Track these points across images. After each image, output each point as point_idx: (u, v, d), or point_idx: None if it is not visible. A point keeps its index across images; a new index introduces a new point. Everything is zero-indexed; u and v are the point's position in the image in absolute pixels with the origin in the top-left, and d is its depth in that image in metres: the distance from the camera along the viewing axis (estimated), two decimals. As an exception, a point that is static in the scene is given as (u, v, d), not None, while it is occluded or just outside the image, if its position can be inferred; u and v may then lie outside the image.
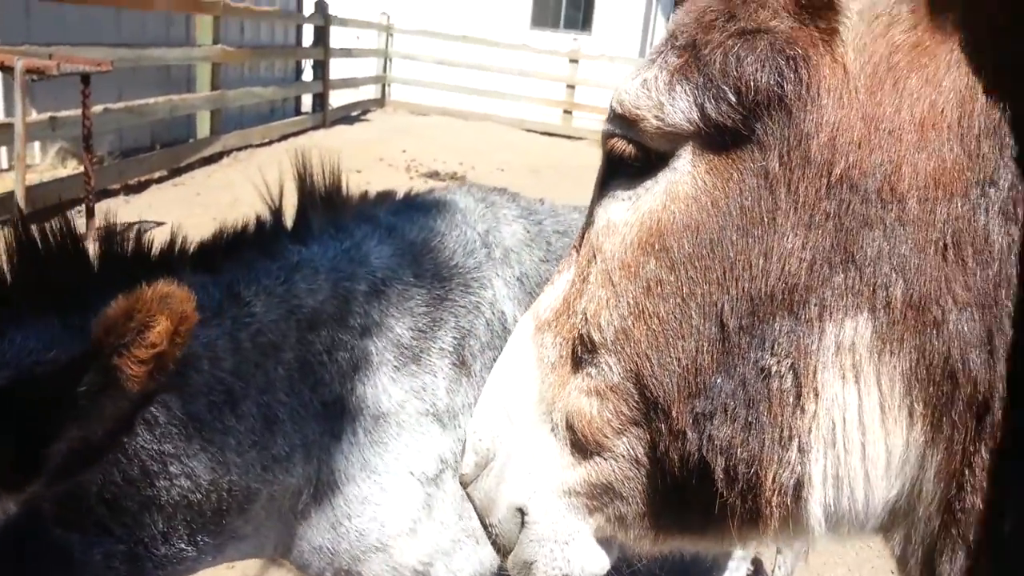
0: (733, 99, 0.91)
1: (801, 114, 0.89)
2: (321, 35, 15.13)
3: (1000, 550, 0.81)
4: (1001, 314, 0.81)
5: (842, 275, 0.87)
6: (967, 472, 0.83)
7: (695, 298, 0.94)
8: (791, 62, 0.89)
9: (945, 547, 0.86)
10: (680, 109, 0.96)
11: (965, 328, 0.82)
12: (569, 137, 17.51)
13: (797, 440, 0.91)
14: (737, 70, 0.91)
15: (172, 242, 1.82)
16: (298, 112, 15.16)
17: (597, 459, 1.06)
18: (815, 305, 0.88)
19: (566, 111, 18.04)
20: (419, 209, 2.27)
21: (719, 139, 0.94)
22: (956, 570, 0.85)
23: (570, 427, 1.08)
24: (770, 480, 0.92)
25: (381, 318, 2.04)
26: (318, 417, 1.95)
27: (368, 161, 12.71)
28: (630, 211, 1.03)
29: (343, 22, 16.20)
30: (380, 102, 18.40)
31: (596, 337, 1.03)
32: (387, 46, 18.46)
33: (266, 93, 12.93)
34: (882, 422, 0.87)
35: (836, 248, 0.87)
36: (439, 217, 2.24)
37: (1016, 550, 0.80)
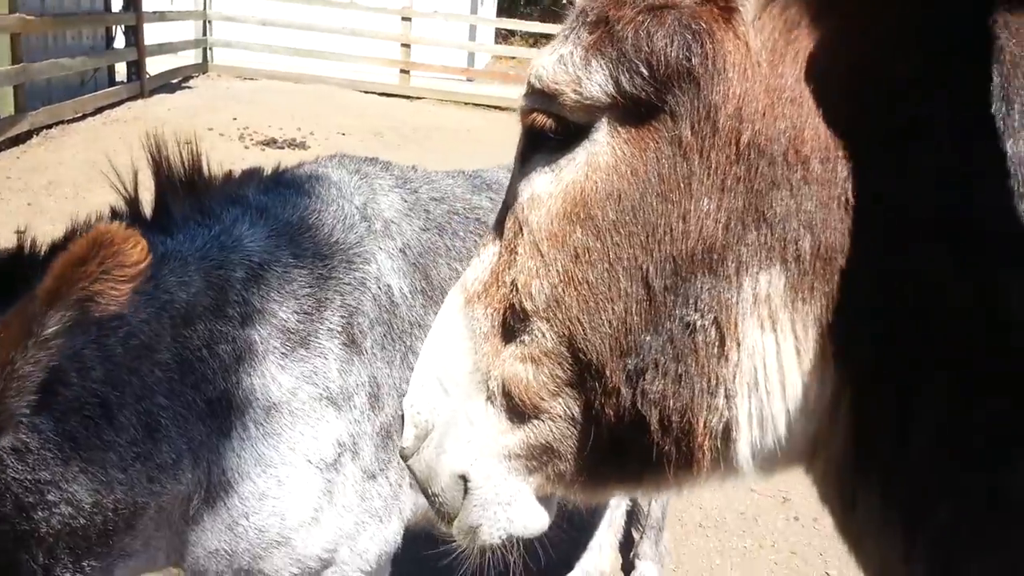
0: (646, 72, 0.96)
1: (709, 86, 0.94)
2: (131, -2, 13.99)
3: (905, 468, 0.88)
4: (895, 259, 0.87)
5: (755, 233, 0.92)
6: (874, 407, 0.90)
7: (621, 262, 0.99)
8: (697, 36, 0.94)
9: (859, 469, 0.94)
10: (597, 83, 1.00)
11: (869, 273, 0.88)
12: (408, 97, 17.20)
13: (723, 387, 0.97)
14: (648, 44, 0.96)
15: (20, 247, 1.61)
16: (112, 83, 13.98)
17: (535, 422, 1.12)
18: (732, 262, 0.94)
19: (403, 71, 17.68)
20: (291, 186, 2.13)
21: (635, 110, 0.98)
22: (870, 491, 0.92)
23: (507, 394, 1.12)
24: (701, 426, 0.99)
25: (262, 304, 1.92)
26: (204, 417, 1.82)
27: (197, 131, 11.88)
28: (554, 183, 1.07)
29: (154, -17, 15.04)
30: (203, 67, 17.28)
31: (528, 306, 1.07)
32: (206, 8, 17.34)
33: (75, 64, 11.83)
34: (798, 364, 0.94)
35: (748, 208, 0.93)
36: (313, 193, 2.12)
37: (919, 468, 0.87)
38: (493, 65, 23.55)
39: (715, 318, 0.96)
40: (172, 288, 1.77)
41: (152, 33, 14.96)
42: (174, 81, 15.67)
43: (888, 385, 0.89)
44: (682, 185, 0.96)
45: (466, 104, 16.90)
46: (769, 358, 0.95)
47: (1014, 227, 0.76)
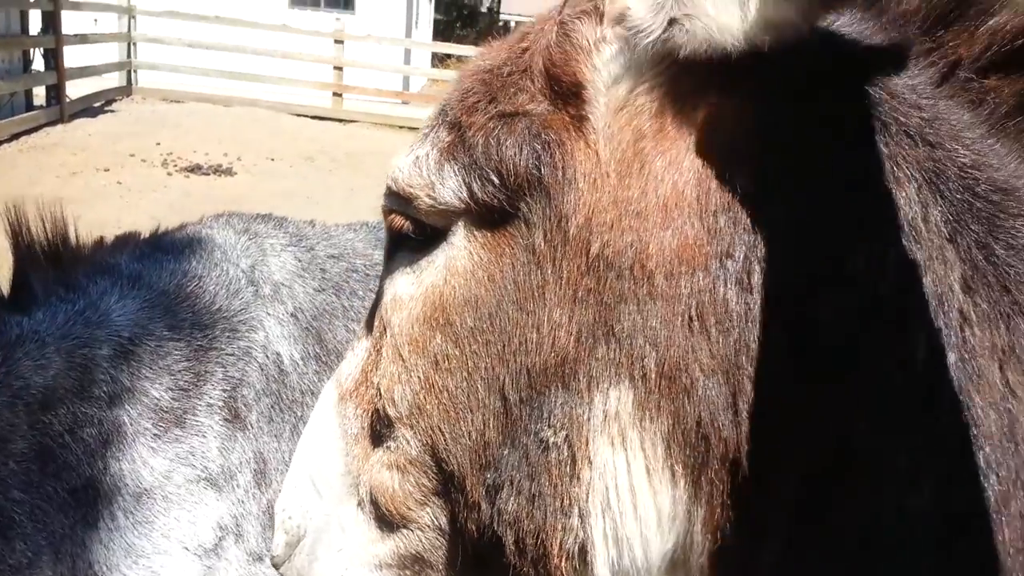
0: (497, 181, 0.94)
1: (559, 196, 0.92)
2: (51, 20, 13.52)
3: None
4: (742, 378, 0.85)
5: (605, 347, 0.90)
6: (727, 523, 0.88)
7: (479, 372, 0.97)
8: (547, 147, 0.92)
9: None
10: (450, 188, 0.98)
11: (712, 393, 0.86)
12: (341, 120, 17.01)
13: (577, 507, 0.95)
14: (498, 153, 0.94)
15: None
16: (30, 107, 13.47)
17: (404, 531, 1.09)
18: (584, 377, 0.91)
19: (336, 94, 17.51)
20: (169, 251, 2.01)
21: (489, 217, 0.97)
22: None
23: (374, 502, 1.10)
24: (557, 547, 0.96)
25: (132, 382, 1.79)
26: (66, 507, 1.69)
27: (118, 157, 11.57)
28: (414, 285, 1.05)
29: (76, 5, 14.62)
30: (127, 90, 16.83)
31: (391, 412, 1.05)
32: (130, 29, 16.88)
33: (-12, 88, 11.38)
34: (649, 483, 0.92)
35: (598, 322, 0.90)
36: (194, 257, 2.00)
37: None
38: (429, 88, 23.48)
39: (567, 435, 0.93)
40: (26, 373, 1.63)
41: (74, 55, 14.54)
42: (96, 105, 15.22)
43: (737, 502, 0.87)
44: (536, 294, 0.93)
45: (401, 127, 16.77)
46: (620, 477, 0.92)
47: (851, 339, 0.82)
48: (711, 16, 0.81)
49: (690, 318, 0.87)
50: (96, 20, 18.67)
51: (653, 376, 0.88)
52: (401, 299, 1.06)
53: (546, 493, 0.95)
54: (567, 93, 0.93)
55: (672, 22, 0.84)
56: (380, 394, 1.07)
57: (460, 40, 26.00)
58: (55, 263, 1.82)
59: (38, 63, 13.93)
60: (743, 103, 0.88)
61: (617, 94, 0.91)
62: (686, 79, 0.89)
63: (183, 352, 1.88)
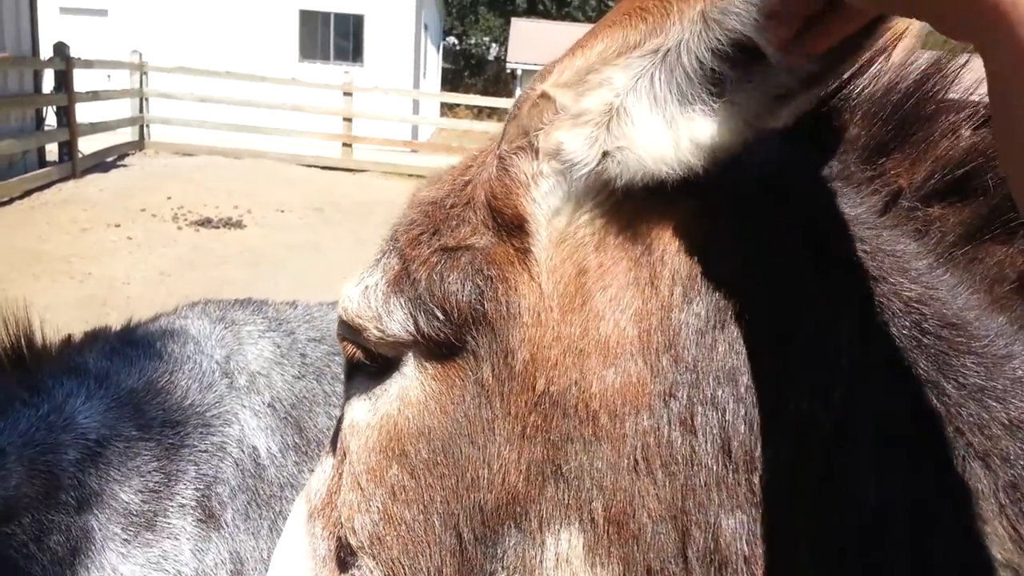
0: (441, 316, 0.93)
1: (505, 330, 0.90)
2: (63, 79, 13.77)
3: None
4: (690, 524, 0.82)
5: (554, 488, 0.88)
6: None
7: (435, 505, 0.95)
8: (490, 281, 0.91)
9: None
10: (397, 321, 0.97)
11: (661, 540, 0.83)
12: (351, 170, 17.15)
13: None
14: (441, 289, 0.93)
15: None
16: (43, 164, 13.66)
17: None
18: (535, 517, 0.89)
19: (345, 144, 17.68)
20: (140, 346, 1.97)
21: (438, 349, 0.95)
22: None
23: None
24: None
25: (100, 486, 1.74)
26: (29, 621, 1.62)
27: (129, 212, 11.68)
28: (371, 412, 1.03)
29: (88, 64, 14.87)
30: (139, 144, 17.07)
31: (353, 541, 1.04)
32: (142, 85, 17.17)
33: (1, 147, 11.53)
34: None
35: (546, 461, 0.88)
36: (166, 351, 1.96)
37: None
38: (438, 136, 23.72)
39: None
40: (-15, 484, 1.58)
41: (87, 111, 14.77)
42: (109, 160, 15.43)
43: None
44: (486, 429, 0.91)
45: (410, 176, 16.86)
46: None
47: (796, 485, 0.79)
48: (642, 146, 0.79)
49: (636, 461, 0.84)
50: (109, 76, 19.04)
51: (601, 520, 0.85)
52: (358, 426, 1.04)
53: None
54: (510, 226, 0.90)
55: (605, 155, 0.82)
56: (341, 522, 1.05)
57: (468, 88, 26.35)
58: (19, 366, 1.79)
59: (51, 119, 14.15)
60: (680, 235, 0.85)
61: (558, 226, 0.89)
62: (625, 209, 0.86)
63: (153, 452, 1.83)
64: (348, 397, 1.10)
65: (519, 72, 25.01)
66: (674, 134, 0.77)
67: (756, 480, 0.80)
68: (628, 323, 0.85)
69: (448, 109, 28.47)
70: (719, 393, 0.82)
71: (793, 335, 0.82)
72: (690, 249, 0.85)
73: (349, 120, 17.54)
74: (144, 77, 17.24)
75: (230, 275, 9.33)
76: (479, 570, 0.93)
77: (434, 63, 30.88)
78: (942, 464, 0.77)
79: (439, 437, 0.94)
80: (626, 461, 0.84)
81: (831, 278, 0.83)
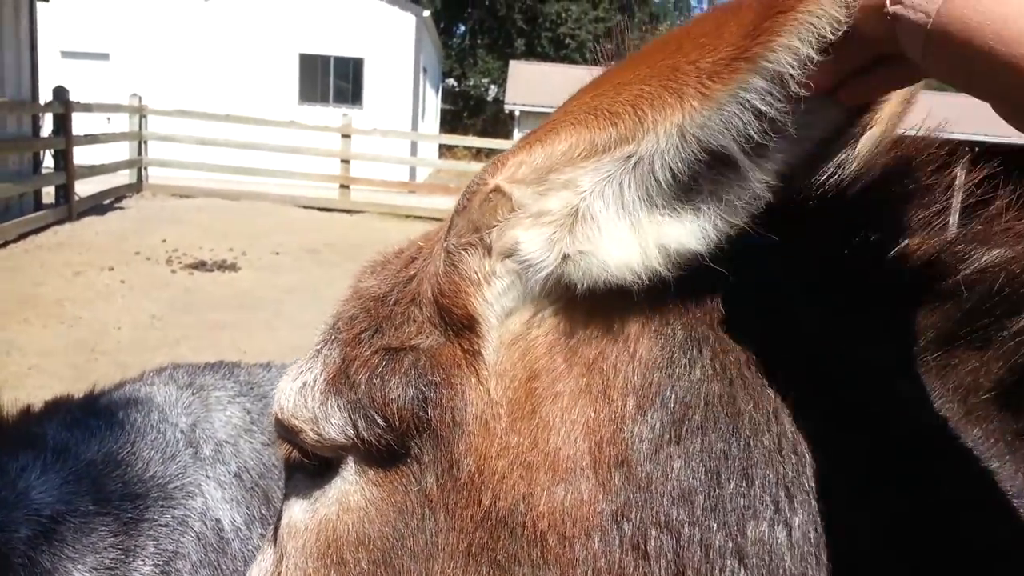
0: (381, 423, 0.87)
1: (449, 439, 0.84)
2: (62, 123, 13.85)
3: None
4: None
5: None
6: None
7: None
8: (434, 387, 0.85)
9: None
10: (335, 424, 0.91)
11: None
12: (348, 211, 17.18)
13: None
14: (381, 394, 0.87)
15: None
16: (39, 207, 13.68)
17: None
18: None
19: (343, 185, 17.76)
20: (102, 415, 1.91)
21: (379, 455, 0.90)
22: None
23: None
24: None
25: (54, 564, 1.67)
26: None
27: (123, 255, 11.65)
28: (308, 514, 0.97)
29: (87, 107, 14.97)
30: (137, 187, 17.11)
31: None
32: (141, 128, 17.28)
33: (-4, 190, 11.56)
34: None
35: None
36: (128, 420, 1.90)
37: None
38: (436, 176, 23.85)
39: None
40: (-71, 566, 1.52)
41: (85, 154, 14.83)
42: (106, 202, 15.46)
43: None
44: (430, 543, 0.85)
45: (407, 217, 16.92)
46: None
47: None
48: (607, 252, 0.75)
49: None
50: (109, 119, 19.19)
51: None
52: (296, 527, 0.98)
53: None
54: (458, 326, 0.85)
55: (566, 257, 0.78)
56: None
57: (467, 129, 26.60)
58: (-28, 440, 1.73)
59: (48, 163, 14.21)
60: (636, 341, 0.80)
61: (510, 327, 0.84)
62: (581, 310, 0.82)
63: (110, 527, 1.76)
64: (287, 496, 1.04)
65: (517, 113, 25.24)
66: (641, 239, 0.74)
67: None
68: (579, 435, 0.80)
69: (446, 150, 28.68)
70: (673, 515, 0.77)
71: (754, 455, 0.77)
72: (646, 357, 0.80)
73: (347, 162, 17.64)
74: (143, 120, 17.35)
75: (223, 319, 9.27)
76: None
77: (432, 105, 31.17)
78: None
79: (379, 548, 0.88)
80: None
81: (795, 391, 0.78)
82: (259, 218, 15.04)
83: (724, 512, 0.76)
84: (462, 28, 51.28)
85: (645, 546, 0.77)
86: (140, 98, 17.40)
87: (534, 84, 25.21)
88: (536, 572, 0.80)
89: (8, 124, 13.11)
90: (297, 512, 0.99)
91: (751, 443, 0.77)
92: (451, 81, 46.17)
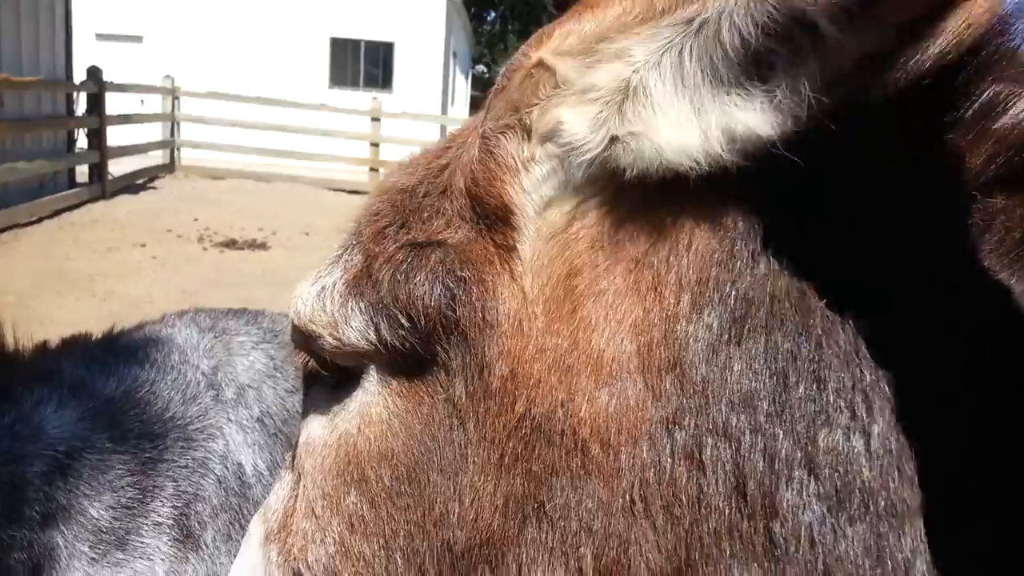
0: (406, 324, 0.81)
1: (480, 341, 0.78)
2: (96, 102, 13.97)
3: None
4: None
5: (536, 528, 0.76)
6: None
7: (398, 541, 0.84)
8: (463, 284, 0.79)
9: None
10: (356, 328, 0.85)
11: None
12: (377, 195, 17.18)
13: None
14: (406, 291, 0.81)
15: None
16: (72, 184, 13.82)
17: None
18: (513, 561, 0.77)
19: (372, 168, 17.76)
20: (121, 354, 1.87)
21: (403, 362, 0.84)
22: None
23: None
24: None
25: (69, 501, 1.63)
26: (-16, 646, 1.51)
27: (155, 233, 11.75)
28: (328, 430, 0.93)
29: (121, 87, 15.08)
30: (169, 167, 17.25)
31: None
32: (174, 110, 17.39)
33: (31, 168, 11.66)
34: None
35: (527, 496, 0.76)
36: (148, 360, 1.86)
37: None
38: (465, 162, 23.76)
39: None
40: (-60, 495, 1.48)
41: (118, 134, 14.96)
42: (139, 182, 15.59)
43: None
44: (458, 455, 0.79)
45: (435, 200, 16.86)
46: None
47: (822, 540, 0.66)
48: (663, 134, 0.66)
49: (632, 501, 0.72)
50: (143, 101, 19.35)
51: (590, 571, 0.73)
52: (314, 444, 0.93)
53: None
54: (492, 218, 0.79)
55: (614, 140, 0.69)
56: (294, 554, 0.94)
57: (496, 115, 26.43)
58: (-13, 371, 1.69)
59: (82, 142, 14.34)
60: (691, 233, 0.72)
61: (549, 220, 0.77)
62: (628, 200, 0.73)
63: (128, 466, 1.71)
64: (305, 411, 0.99)
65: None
66: (702, 120, 0.64)
67: (777, 529, 0.67)
68: (626, 336, 0.73)
69: (476, 136, 28.62)
70: (733, 422, 0.69)
71: (826, 356, 0.68)
72: (702, 250, 0.72)
73: (376, 145, 17.63)
74: (176, 101, 17.46)
75: (252, 295, 9.28)
76: None
77: (462, 90, 31.08)
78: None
79: (403, 463, 0.83)
80: (621, 501, 0.72)
81: (875, 286, 0.69)
82: (289, 200, 15.08)
83: (791, 419, 0.68)
84: (492, 14, 51.11)
85: (700, 456, 0.70)
86: (173, 80, 17.51)
87: (565, 69, 24.95)
88: (576, 483, 0.74)
89: (43, 103, 13.24)
90: (315, 428, 0.94)
91: (823, 343, 0.68)
92: (481, 68, 46.04)
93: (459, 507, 0.79)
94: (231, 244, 11.75)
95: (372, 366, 0.87)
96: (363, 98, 20.45)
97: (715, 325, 0.70)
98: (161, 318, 2.10)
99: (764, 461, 0.68)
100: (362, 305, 0.85)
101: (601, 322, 0.74)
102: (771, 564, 0.67)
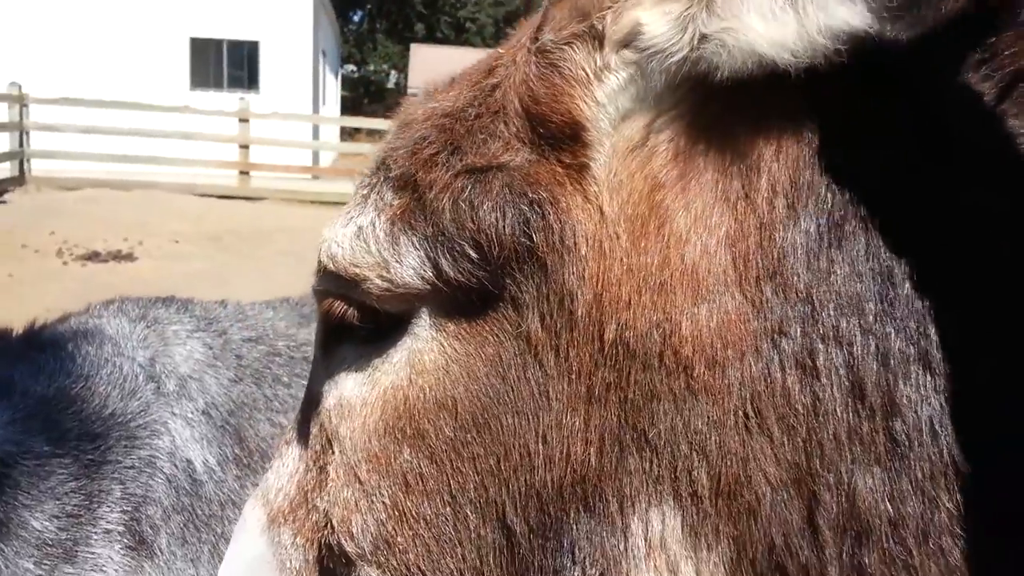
0: (474, 255, 0.77)
1: (558, 267, 0.75)
2: (-70, 112, 12.79)
3: None
4: (818, 487, 0.69)
5: (637, 458, 0.73)
6: None
7: (467, 495, 0.79)
8: (535, 206, 0.75)
9: None
10: (410, 266, 0.80)
11: (783, 510, 0.70)
12: (249, 199, 16.53)
13: None
14: (473, 220, 0.77)
15: None
16: (-90, 203, 12.62)
17: None
18: (613, 497, 0.74)
19: (242, 172, 17.09)
20: (48, 349, 1.69)
21: (465, 299, 0.79)
22: None
23: None
24: None
25: (6, 513, 1.46)
26: None
27: (9, 250, 10.90)
28: (367, 387, 0.86)
29: (-43, 96, 13.88)
30: (19, 180, 15.99)
31: (350, 549, 0.86)
32: (22, 118, 16.14)
33: None
34: None
35: (625, 427, 0.73)
36: (79, 354, 1.69)
37: None
38: (339, 162, 23.29)
39: (601, 573, 0.76)
40: None
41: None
42: (-14, 197, 14.39)
43: None
44: (537, 394, 0.76)
45: (312, 203, 16.41)
46: None
47: (939, 430, 0.66)
48: (756, 29, 0.63)
49: (746, 415, 0.70)
50: (-17, 109, 17.87)
51: (706, 493, 0.71)
52: (351, 405, 0.87)
53: None
54: (558, 137, 0.75)
55: (704, 39, 0.66)
56: (332, 525, 0.88)
57: (368, 114, 26.07)
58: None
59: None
60: (794, 136, 0.70)
61: (626, 134, 0.74)
62: (717, 109, 0.71)
63: (70, 470, 1.55)
64: (330, 373, 0.92)
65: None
66: (799, 14, 0.62)
67: (898, 427, 0.66)
68: (719, 247, 0.71)
69: (349, 135, 28.09)
70: (843, 325, 0.68)
71: (931, 248, 0.67)
72: (795, 153, 0.70)
73: (246, 147, 16.99)
74: (24, 109, 16.23)
75: (127, 308, 8.78)
76: (536, 570, 0.78)
77: (333, 90, 30.46)
78: None
79: (468, 410, 0.78)
80: (733, 418, 0.70)
81: (963, 176, 0.68)
82: (154, 208, 14.31)
83: (902, 316, 0.67)
84: (359, 14, 50.36)
85: (813, 363, 0.69)
86: (20, 87, 16.25)
87: (437, 67, 24.96)
88: (681, 406, 0.71)
89: None
90: (350, 388, 0.88)
91: (930, 235, 0.68)
92: (350, 67, 45.30)
93: (543, 448, 0.75)
94: (94, 257, 11.05)
95: (424, 309, 0.82)
96: (228, 99, 19.70)
97: (813, 229, 0.69)
98: (86, 308, 1.92)
99: (878, 361, 0.67)
100: (416, 240, 0.80)
101: (692, 236, 0.71)
102: (893, 463, 0.66)
